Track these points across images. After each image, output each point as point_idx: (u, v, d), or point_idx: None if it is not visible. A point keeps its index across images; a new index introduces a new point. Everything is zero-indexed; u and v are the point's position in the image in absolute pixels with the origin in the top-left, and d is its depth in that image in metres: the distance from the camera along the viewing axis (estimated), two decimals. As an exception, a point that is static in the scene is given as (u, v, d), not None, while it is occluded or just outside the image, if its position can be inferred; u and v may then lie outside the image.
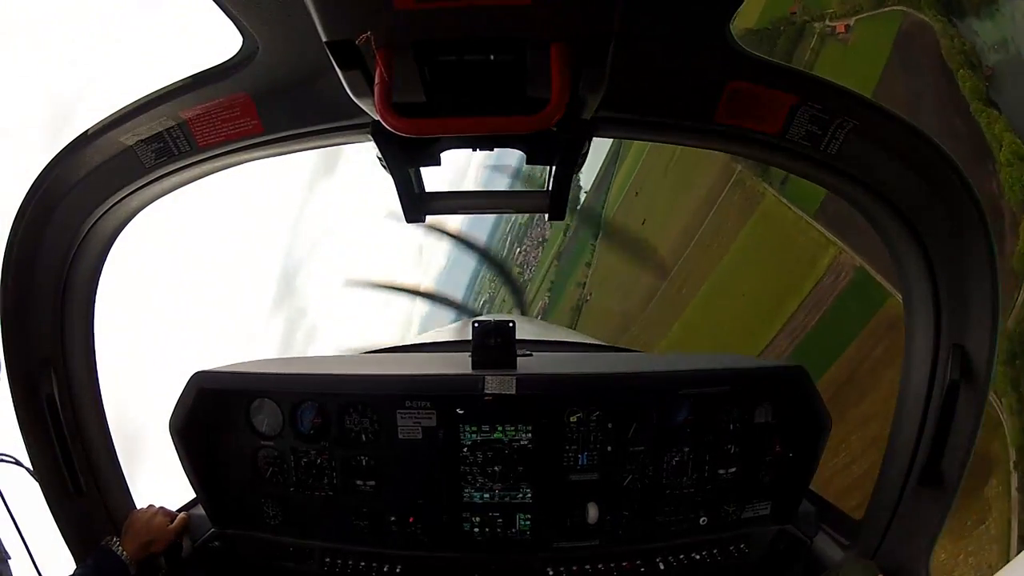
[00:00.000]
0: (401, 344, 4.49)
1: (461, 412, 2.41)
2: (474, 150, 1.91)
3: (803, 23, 38.33)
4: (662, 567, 2.50)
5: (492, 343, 2.46)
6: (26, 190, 1.95)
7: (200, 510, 2.57)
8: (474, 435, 2.42)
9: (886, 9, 32.85)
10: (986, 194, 18.25)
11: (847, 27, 35.60)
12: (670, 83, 1.71)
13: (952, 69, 26.73)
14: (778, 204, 39.03)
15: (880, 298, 26.76)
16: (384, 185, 1.96)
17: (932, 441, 1.94)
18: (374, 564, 2.50)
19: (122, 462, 2.46)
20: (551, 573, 2.50)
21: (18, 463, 2.13)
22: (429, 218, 2.12)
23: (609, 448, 2.45)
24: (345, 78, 1.37)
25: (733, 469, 2.51)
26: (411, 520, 2.49)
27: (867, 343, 26.95)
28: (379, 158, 1.82)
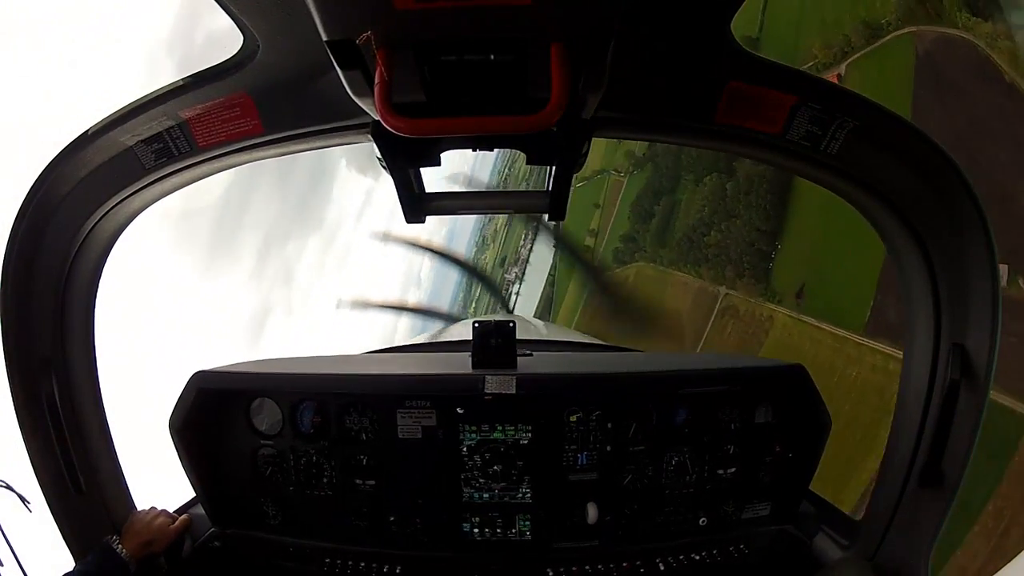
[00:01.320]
0: (401, 344, 4.50)
1: (461, 412, 2.41)
2: (474, 150, 1.91)
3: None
4: (662, 567, 2.49)
5: (492, 343, 2.47)
6: (26, 190, 1.95)
7: (200, 510, 2.57)
8: (474, 435, 2.42)
9: (891, 36, 26.03)
10: None
11: (839, 77, 28.97)
12: (670, 83, 1.71)
13: (1017, 80, 20.13)
14: (798, 326, 27.93)
15: (1018, 429, 16.30)
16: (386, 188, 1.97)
17: (932, 441, 1.94)
18: (374, 564, 2.50)
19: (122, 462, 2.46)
20: (551, 573, 2.49)
21: (9, 488, 2.10)
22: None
23: (609, 448, 2.45)
24: (345, 78, 1.37)
25: (733, 469, 2.51)
26: (411, 520, 2.49)
27: (1012, 502, 16.54)
28: (379, 158, 1.82)
